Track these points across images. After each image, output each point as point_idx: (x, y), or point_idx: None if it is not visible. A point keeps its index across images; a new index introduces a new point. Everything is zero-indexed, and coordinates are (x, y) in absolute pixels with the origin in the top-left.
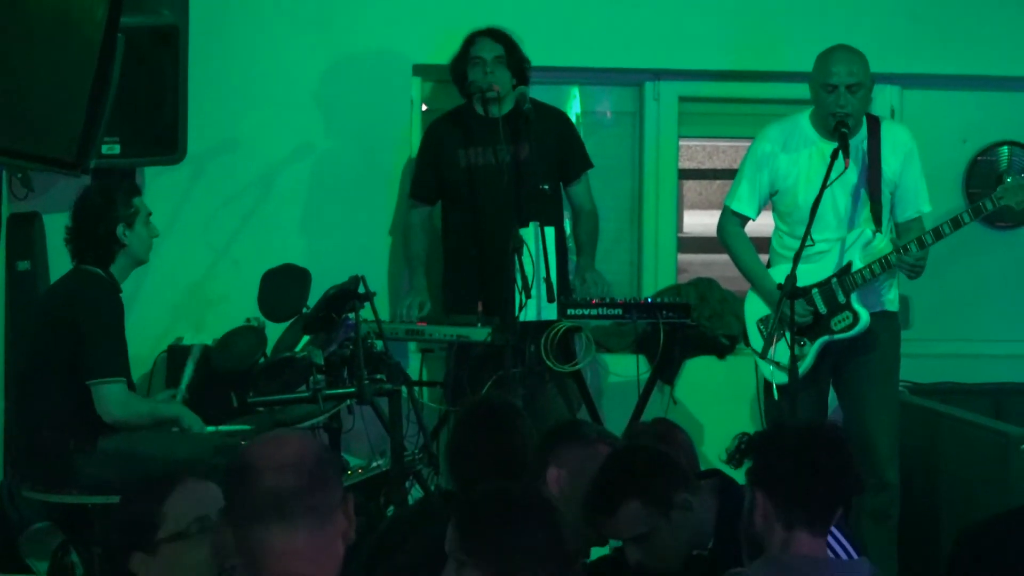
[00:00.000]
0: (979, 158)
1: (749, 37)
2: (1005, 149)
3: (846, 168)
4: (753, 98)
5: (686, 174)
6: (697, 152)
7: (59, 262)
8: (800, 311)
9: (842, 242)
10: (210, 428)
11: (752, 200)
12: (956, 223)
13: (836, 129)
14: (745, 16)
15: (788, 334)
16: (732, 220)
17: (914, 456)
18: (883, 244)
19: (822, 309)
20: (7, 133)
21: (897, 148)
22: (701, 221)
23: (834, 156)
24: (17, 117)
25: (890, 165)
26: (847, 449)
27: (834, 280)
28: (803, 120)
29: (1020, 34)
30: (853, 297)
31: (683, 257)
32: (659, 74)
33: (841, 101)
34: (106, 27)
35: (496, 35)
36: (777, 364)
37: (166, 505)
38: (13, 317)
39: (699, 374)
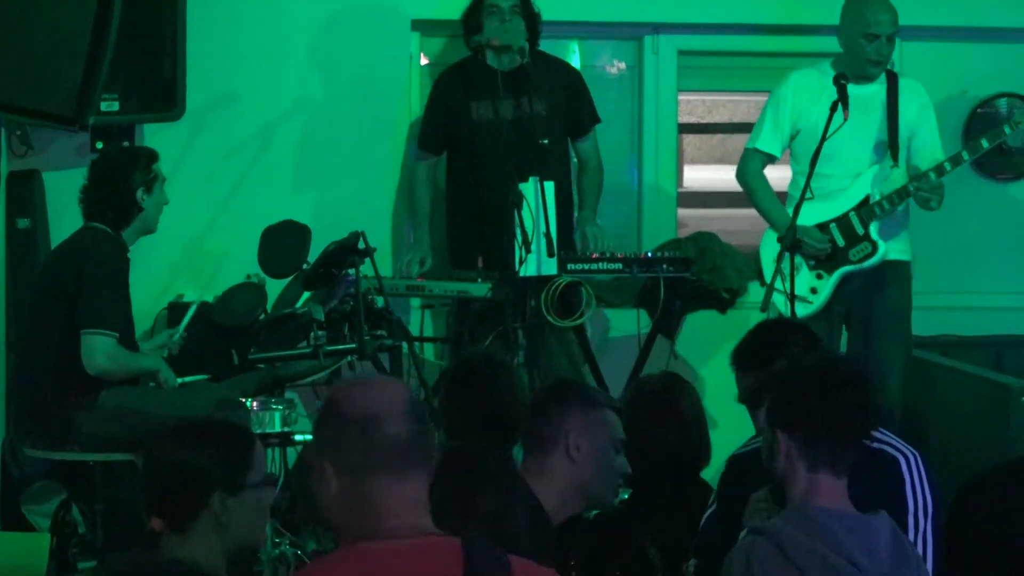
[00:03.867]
0: (978, 110)
1: None
2: (1004, 100)
3: (846, 119)
4: (752, 51)
5: (686, 128)
6: (697, 106)
7: (59, 220)
8: (818, 241)
9: (860, 178)
10: (178, 379)
11: (775, 139)
12: (975, 149)
13: (836, 81)
14: None
15: (788, 284)
16: (754, 159)
17: (914, 408)
18: (900, 177)
19: (840, 241)
20: (5, 88)
21: (914, 99)
22: (701, 176)
23: (833, 108)
24: (15, 72)
25: (908, 113)
26: (868, 383)
27: (852, 213)
28: (825, 66)
29: None
30: (872, 228)
31: (683, 212)
32: (658, 27)
33: (883, 50)
34: None
35: None
36: (795, 296)
37: (256, 451)
38: (13, 275)
39: (700, 328)
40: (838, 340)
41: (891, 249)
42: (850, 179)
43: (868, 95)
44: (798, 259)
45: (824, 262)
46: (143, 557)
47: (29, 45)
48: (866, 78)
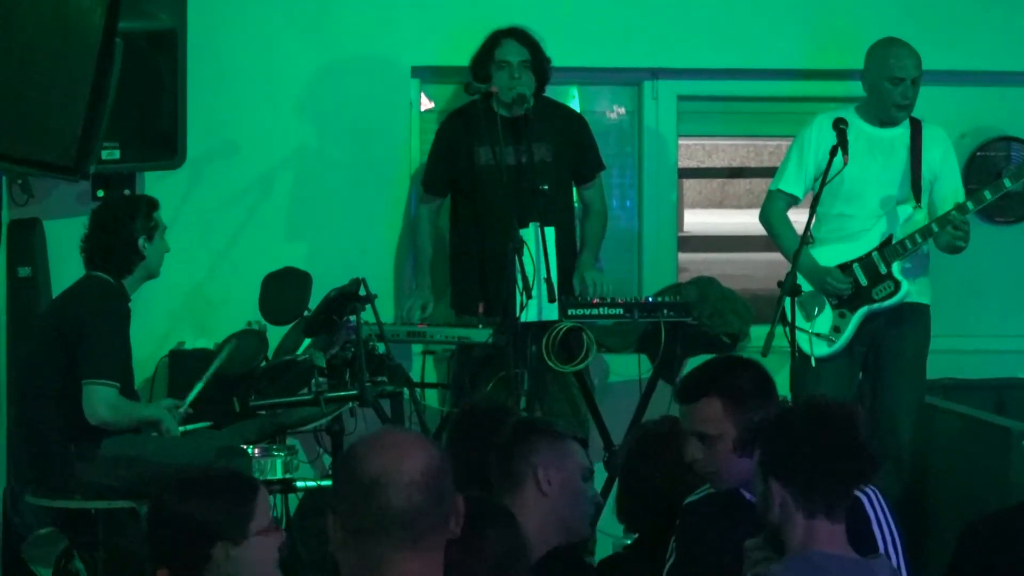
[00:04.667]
0: (978, 154)
1: (747, 35)
2: (1004, 144)
3: (845, 164)
4: (752, 96)
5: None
6: (697, 151)
7: (60, 268)
8: (840, 281)
9: (882, 219)
10: (180, 428)
11: (798, 181)
12: (997, 188)
13: (835, 126)
14: (742, 14)
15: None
16: (778, 201)
17: (915, 451)
18: (922, 218)
19: (863, 281)
20: (5, 138)
21: (937, 144)
22: (701, 220)
23: (833, 152)
24: (15, 122)
25: (931, 157)
26: (860, 427)
27: (875, 252)
28: (850, 110)
29: (1018, 29)
30: (895, 267)
31: (683, 256)
32: (657, 73)
33: (908, 93)
34: (104, 32)
35: (521, 37)
36: (817, 335)
37: (259, 499)
38: (14, 323)
39: None
40: (856, 378)
41: (913, 291)
42: (873, 220)
43: (892, 138)
44: (822, 298)
45: (847, 301)
46: None
47: (29, 94)
48: (891, 122)
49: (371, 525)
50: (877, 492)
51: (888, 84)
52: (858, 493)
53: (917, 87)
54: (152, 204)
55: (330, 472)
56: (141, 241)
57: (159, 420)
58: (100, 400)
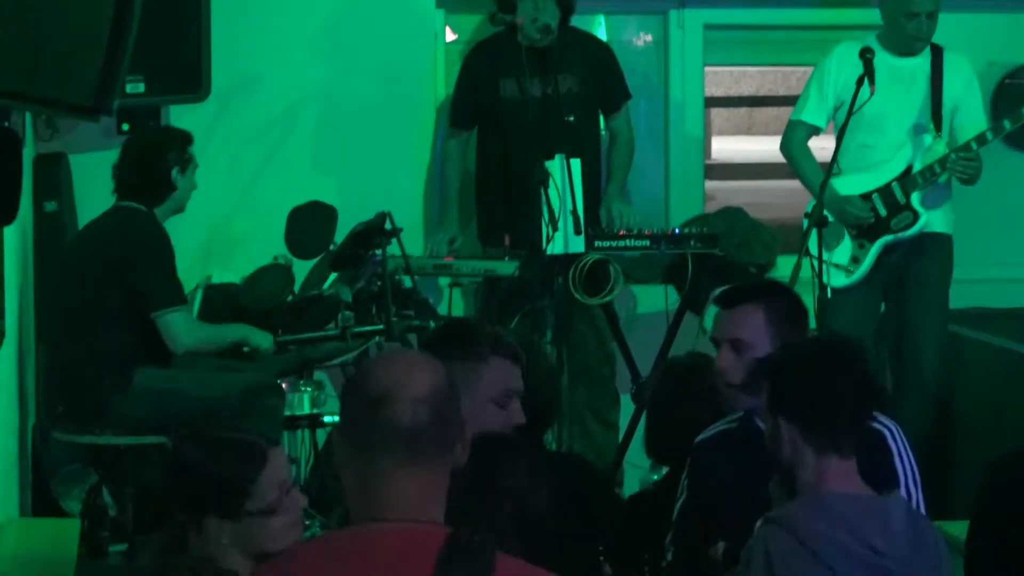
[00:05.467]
0: (1007, 81)
1: None
2: None
3: (872, 94)
4: (777, 24)
5: (712, 102)
6: (724, 78)
7: (86, 202)
8: (860, 209)
9: (902, 149)
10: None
11: (820, 111)
12: (1017, 118)
13: (861, 55)
14: None
15: (817, 262)
16: (799, 131)
17: (945, 381)
18: (942, 148)
19: (882, 211)
20: (24, 78)
21: (960, 73)
22: (728, 147)
23: (859, 82)
24: (34, 61)
25: (952, 86)
26: (864, 362)
27: (894, 182)
28: (871, 39)
29: None
30: (913, 197)
31: (710, 184)
32: (684, 2)
33: (924, 27)
34: None
35: None
36: (836, 266)
37: (261, 478)
38: (41, 257)
39: None
40: (878, 310)
41: (933, 220)
42: (893, 150)
43: (912, 68)
44: (841, 228)
45: (866, 231)
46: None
47: (47, 33)
48: (910, 52)
49: (375, 440)
50: (897, 426)
51: (903, 18)
52: (879, 427)
53: (934, 19)
54: (187, 138)
55: None
56: (175, 172)
57: (245, 337)
58: (180, 327)
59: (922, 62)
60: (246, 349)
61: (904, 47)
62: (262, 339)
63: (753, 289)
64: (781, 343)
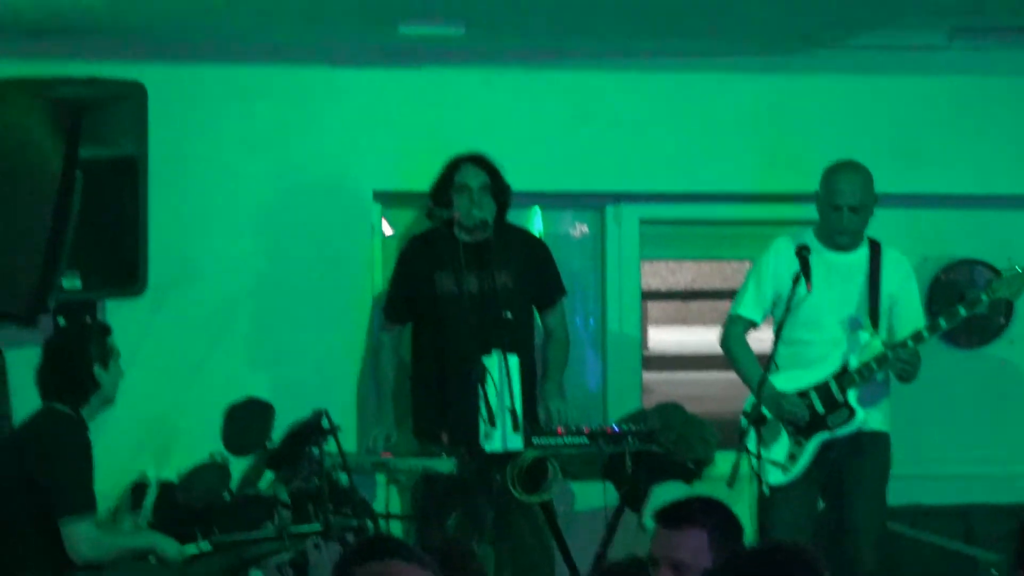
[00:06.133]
0: (941, 276)
1: (705, 160)
2: (966, 267)
3: (809, 291)
4: (712, 219)
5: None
6: (660, 268)
7: (22, 399)
8: (797, 407)
9: (839, 345)
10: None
11: (758, 305)
12: (952, 316)
13: (799, 253)
14: (702, 140)
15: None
16: (737, 325)
17: None
18: (878, 345)
19: (819, 408)
20: None
21: (898, 269)
22: (665, 338)
23: (796, 279)
24: None
25: (890, 282)
26: (810, 565)
27: (832, 380)
28: (807, 233)
29: (980, 153)
30: (850, 395)
31: (647, 375)
32: (619, 197)
33: (845, 220)
34: (63, 174)
35: (480, 162)
36: (773, 463)
37: None
38: None
39: (667, 500)
40: (815, 507)
41: (870, 418)
42: (830, 346)
43: (849, 263)
44: (778, 425)
45: (804, 429)
46: None
47: None
48: (840, 247)
49: None
50: None
51: (829, 209)
52: None
53: (862, 213)
54: (105, 330)
55: None
56: (96, 369)
57: (152, 546)
58: (81, 538)
59: (859, 258)
60: (152, 559)
61: (831, 241)
62: (169, 547)
63: (693, 509)
64: (720, 559)
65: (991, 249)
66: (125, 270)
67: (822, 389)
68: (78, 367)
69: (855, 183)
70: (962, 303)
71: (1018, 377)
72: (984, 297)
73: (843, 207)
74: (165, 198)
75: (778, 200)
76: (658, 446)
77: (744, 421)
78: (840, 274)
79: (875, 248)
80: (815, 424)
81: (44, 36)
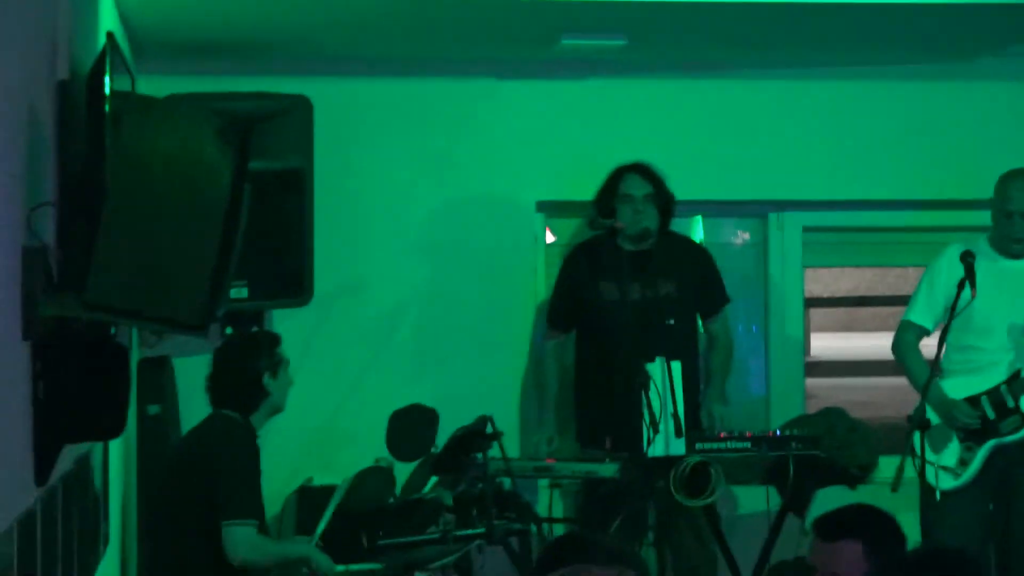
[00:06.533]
0: None
1: (869, 166)
2: None
3: (973, 297)
4: (876, 226)
5: (812, 302)
6: (823, 275)
7: (189, 406)
8: (967, 416)
9: (1012, 352)
10: (339, 567)
11: (929, 312)
12: None
13: (963, 259)
14: (864, 147)
15: (916, 460)
16: (908, 332)
17: None
18: None
19: (990, 414)
20: (134, 297)
21: None
22: (828, 344)
23: (960, 285)
24: (143, 281)
25: None
26: (972, 571)
27: (1003, 386)
28: (981, 240)
29: None
30: (1022, 401)
31: (811, 381)
32: (782, 205)
33: (1017, 228)
34: (232, 188)
35: (645, 172)
36: (944, 468)
37: None
38: (145, 461)
39: (831, 505)
40: (986, 512)
41: None
42: (1002, 352)
43: (1020, 270)
44: (948, 430)
45: (974, 434)
46: None
47: (161, 255)
48: (1013, 255)
49: None
50: None
51: (1003, 217)
52: None
53: None
54: (274, 340)
55: None
56: (266, 378)
57: (307, 557)
58: (240, 540)
59: None
60: (305, 571)
61: (1006, 248)
62: (324, 562)
63: (852, 520)
64: (877, 568)
65: None
66: (291, 280)
67: (993, 395)
68: (248, 375)
69: None
70: None
71: None
72: None
73: (1015, 213)
74: (330, 210)
75: (940, 207)
76: (821, 451)
77: (910, 426)
78: (1012, 281)
79: None
80: (986, 430)
81: (215, 54)
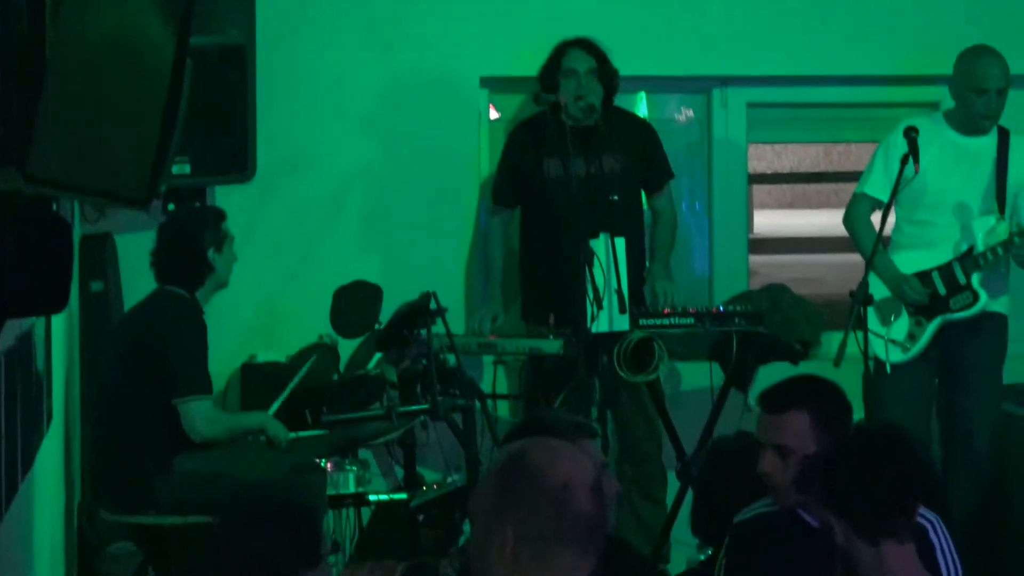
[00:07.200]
0: None
1: (815, 41)
2: None
3: (917, 172)
4: (821, 102)
5: (756, 178)
6: (766, 152)
7: (132, 282)
8: (917, 292)
9: (965, 228)
10: (291, 435)
11: (884, 185)
12: None
13: (906, 134)
14: (810, 21)
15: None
16: (862, 204)
17: (992, 461)
18: (1004, 230)
19: (941, 290)
20: (76, 171)
21: None
22: (772, 221)
23: (903, 160)
24: (86, 155)
25: (1017, 169)
26: (912, 451)
27: (955, 262)
28: (937, 116)
29: None
30: (974, 278)
31: (754, 259)
32: (726, 81)
33: (992, 104)
34: (174, 62)
35: (588, 46)
36: (893, 341)
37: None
38: (88, 338)
39: (773, 380)
40: (932, 386)
41: (991, 301)
42: (955, 228)
43: (979, 147)
44: (898, 304)
45: (924, 309)
46: None
47: (101, 127)
48: (977, 131)
49: (560, 532)
50: (939, 519)
51: (973, 94)
52: (921, 520)
53: (1003, 97)
54: (219, 215)
55: (402, 484)
56: (211, 253)
57: (263, 426)
58: (198, 416)
59: (989, 142)
60: (262, 439)
61: (971, 125)
62: (279, 429)
63: (798, 391)
64: (826, 442)
65: None
66: (234, 157)
67: (945, 271)
68: (194, 250)
69: (1003, 66)
70: None
71: None
72: None
73: (991, 90)
74: (273, 86)
75: (887, 83)
76: (765, 327)
77: (853, 301)
78: (968, 157)
79: (1004, 135)
80: (936, 305)
81: None
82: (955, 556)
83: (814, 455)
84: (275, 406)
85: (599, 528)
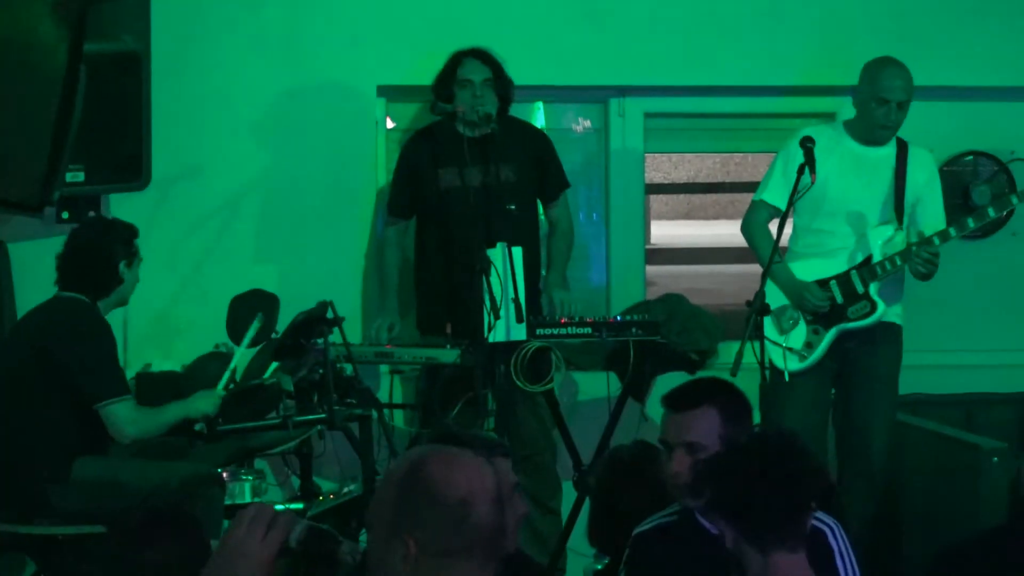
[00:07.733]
0: (944, 168)
1: (713, 52)
2: (970, 159)
3: (813, 183)
4: (718, 112)
5: (653, 189)
6: (663, 163)
7: (25, 290)
8: (818, 298)
9: (863, 238)
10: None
11: (783, 192)
12: (981, 216)
13: (802, 144)
14: (707, 33)
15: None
16: (761, 212)
17: (887, 469)
18: (902, 240)
19: (839, 299)
20: None
21: (923, 168)
22: (668, 232)
23: (800, 170)
24: None
25: (915, 181)
26: (800, 453)
27: (853, 271)
28: (838, 125)
29: (983, 45)
30: (872, 287)
31: (651, 269)
32: (624, 91)
33: (892, 116)
34: (68, 67)
35: (483, 56)
36: (790, 350)
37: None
38: None
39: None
40: (828, 395)
41: (888, 311)
42: (853, 237)
43: (879, 158)
44: (796, 312)
45: (822, 318)
46: None
47: None
48: (876, 141)
49: (460, 545)
50: (838, 524)
51: (874, 103)
52: (820, 525)
53: (904, 111)
54: (133, 231)
55: (298, 494)
56: (122, 265)
57: (185, 413)
58: (121, 419)
59: (888, 153)
60: (198, 427)
61: (870, 135)
62: (202, 404)
63: (704, 390)
64: (728, 442)
65: (992, 141)
66: (128, 165)
67: (843, 280)
68: (105, 258)
69: (906, 78)
70: (992, 204)
71: (1019, 269)
72: (1015, 200)
73: (892, 102)
74: (168, 94)
75: (783, 93)
76: (661, 337)
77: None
78: (868, 167)
79: (903, 146)
80: (834, 314)
81: None
82: (853, 561)
83: (709, 458)
84: (221, 385)
85: (499, 540)
